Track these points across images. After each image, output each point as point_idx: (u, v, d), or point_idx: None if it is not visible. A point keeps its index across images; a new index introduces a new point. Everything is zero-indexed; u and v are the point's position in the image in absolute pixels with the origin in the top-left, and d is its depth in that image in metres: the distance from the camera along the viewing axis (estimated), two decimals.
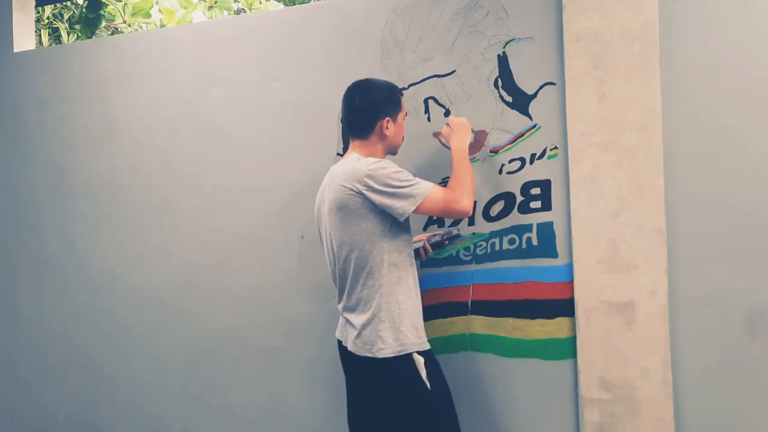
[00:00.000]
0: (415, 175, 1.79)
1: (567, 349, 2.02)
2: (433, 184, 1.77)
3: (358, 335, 1.77)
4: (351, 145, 1.91)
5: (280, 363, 2.36)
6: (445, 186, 1.91)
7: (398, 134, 1.91)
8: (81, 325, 2.65)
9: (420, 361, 1.75)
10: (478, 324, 2.11)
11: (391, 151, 1.94)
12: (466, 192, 1.80)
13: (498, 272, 2.10)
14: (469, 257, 2.12)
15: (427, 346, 1.80)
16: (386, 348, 1.73)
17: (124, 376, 2.59)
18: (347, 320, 1.84)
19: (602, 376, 1.95)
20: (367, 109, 1.87)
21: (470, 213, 1.80)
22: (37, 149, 2.73)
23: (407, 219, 1.79)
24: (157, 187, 2.55)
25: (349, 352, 1.81)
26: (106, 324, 2.61)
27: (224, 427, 2.44)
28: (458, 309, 2.13)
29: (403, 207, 1.74)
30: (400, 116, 1.91)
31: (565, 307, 2.02)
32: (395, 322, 1.75)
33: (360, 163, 1.78)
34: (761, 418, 1.88)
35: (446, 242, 2.04)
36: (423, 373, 1.74)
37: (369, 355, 1.75)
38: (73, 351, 2.66)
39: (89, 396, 2.64)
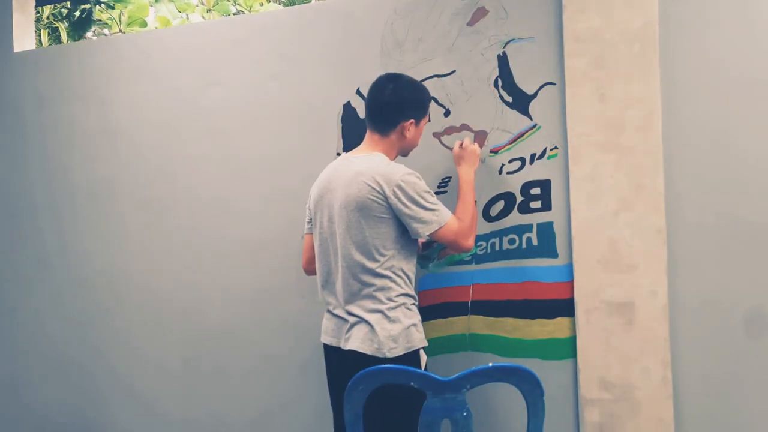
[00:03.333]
0: None
1: (567, 349, 2.02)
2: (450, 214, 1.76)
3: (368, 334, 1.72)
4: (368, 138, 1.86)
5: (279, 363, 2.36)
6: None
7: (416, 138, 1.89)
8: (80, 325, 2.65)
9: (424, 357, 1.76)
10: (478, 324, 2.11)
11: (404, 153, 1.91)
12: (473, 229, 1.81)
13: (498, 272, 2.09)
14: (469, 257, 2.12)
15: (426, 343, 1.80)
16: (397, 347, 1.71)
17: (124, 376, 2.58)
18: (347, 320, 1.78)
19: (602, 376, 1.95)
20: (395, 106, 1.82)
21: (470, 251, 1.84)
22: (37, 149, 2.73)
23: None
24: (156, 186, 2.55)
25: (348, 352, 1.76)
26: (106, 323, 2.61)
27: (224, 427, 2.44)
28: (458, 309, 2.13)
29: (419, 229, 1.73)
30: (423, 121, 1.89)
31: (565, 307, 2.02)
32: (403, 321, 1.74)
33: (392, 168, 1.75)
34: (761, 418, 1.88)
35: (435, 243, 1.98)
36: (423, 368, 1.75)
37: (378, 355, 1.70)
38: (72, 351, 2.66)
39: (89, 396, 2.63)
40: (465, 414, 1.31)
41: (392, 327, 1.72)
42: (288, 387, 2.35)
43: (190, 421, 2.49)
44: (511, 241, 2.08)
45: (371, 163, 1.77)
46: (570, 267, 2.01)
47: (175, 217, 2.51)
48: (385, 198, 1.72)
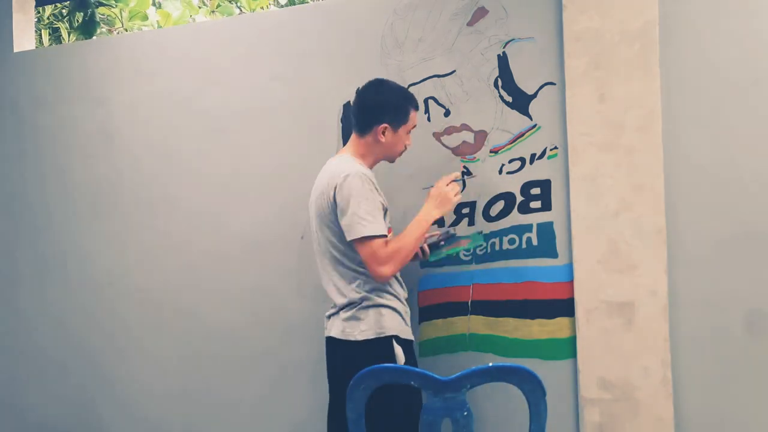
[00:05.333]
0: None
1: (567, 349, 2.02)
2: (380, 233, 1.72)
3: (345, 320, 1.79)
4: (351, 137, 1.91)
5: (280, 363, 2.36)
6: None
7: (396, 145, 1.87)
8: (81, 325, 2.64)
9: (399, 349, 1.75)
10: (478, 324, 2.11)
11: (388, 158, 1.91)
12: (397, 261, 1.73)
13: (498, 272, 2.09)
14: (469, 257, 2.12)
15: (410, 337, 1.81)
16: (368, 330, 1.75)
17: (124, 375, 2.58)
18: (330, 312, 1.87)
19: (602, 376, 1.95)
20: (371, 109, 1.84)
21: (386, 281, 1.79)
22: (36, 149, 2.73)
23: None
24: (156, 186, 2.54)
25: (332, 339, 1.83)
26: (106, 323, 2.61)
27: (224, 426, 2.44)
28: (458, 309, 2.13)
29: (345, 233, 1.75)
30: (403, 128, 1.86)
31: (565, 307, 2.02)
32: (372, 308, 1.77)
33: (341, 167, 1.78)
34: (761, 418, 1.88)
35: (442, 242, 1.99)
36: (401, 360, 1.74)
37: (350, 338, 1.76)
38: (73, 350, 2.66)
39: (90, 394, 2.63)
40: (465, 414, 1.31)
41: (360, 313, 1.76)
42: (288, 387, 2.35)
43: (190, 421, 2.49)
44: (511, 241, 2.08)
45: (332, 165, 1.83)
46: (570, 267, 2.01)
47: (174, 217, 2.50)
48: (331, 199, 1.76)
